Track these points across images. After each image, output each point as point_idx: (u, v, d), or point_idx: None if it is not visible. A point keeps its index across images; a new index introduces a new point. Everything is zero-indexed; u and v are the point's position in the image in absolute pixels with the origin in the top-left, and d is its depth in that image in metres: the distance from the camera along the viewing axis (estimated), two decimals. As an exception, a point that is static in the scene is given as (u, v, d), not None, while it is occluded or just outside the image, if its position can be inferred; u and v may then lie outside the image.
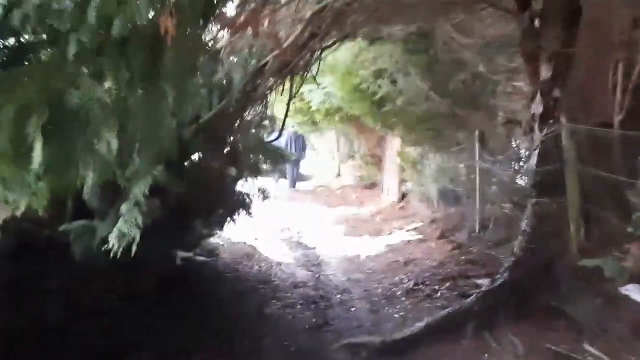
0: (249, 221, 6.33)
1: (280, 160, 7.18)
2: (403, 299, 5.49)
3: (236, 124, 5.29)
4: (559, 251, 4.30)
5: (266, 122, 5.93)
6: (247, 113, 5.38)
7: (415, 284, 5.79)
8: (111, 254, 2.99)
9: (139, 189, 2.96)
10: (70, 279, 3.93)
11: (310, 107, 12.04)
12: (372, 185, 12.97)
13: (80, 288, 4.11)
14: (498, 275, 4.51)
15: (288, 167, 14.52)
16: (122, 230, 2.93)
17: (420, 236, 7.94)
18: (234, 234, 7.65)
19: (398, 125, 8.61)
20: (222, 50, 4.34)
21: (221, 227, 6.49)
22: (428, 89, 7.59)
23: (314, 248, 8.39)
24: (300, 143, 15.02)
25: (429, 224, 8.41)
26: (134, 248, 3.05)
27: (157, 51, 1.99)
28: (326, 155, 19.62)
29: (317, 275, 6.78)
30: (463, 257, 6.31)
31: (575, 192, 4.24)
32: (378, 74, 8.21)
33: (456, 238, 7.10)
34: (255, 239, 8.28)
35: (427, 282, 5.76)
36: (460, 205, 7.89)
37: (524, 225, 4.54)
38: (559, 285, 4.20)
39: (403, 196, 10.71)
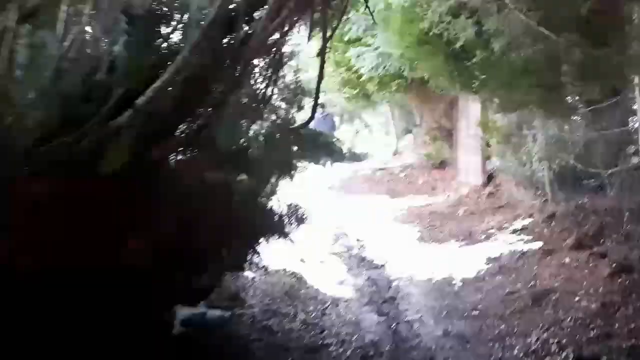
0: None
1: (324, 151, 4.66)
2: (568, 399, 2.80)
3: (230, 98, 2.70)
4: None
5: (288, 94, 3.31)
6: (249, 77, 2.76)
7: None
8: None
9: None
10: None
11: (360, 77, 9.31)
12: (443, 165, 10.12)
13: None
14: None
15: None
16: None
17: (539, 243, 5.15)
18: (272, 257, 5.09)
19: (488, 83, 5.75)
20: None
21: (238, 267, 3.98)
22: (537, 24, 4.71)
23: (382, 266, 5.76)
24: (329, 123, 12.48)
25: (544, 221, 5.59)
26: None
27: None
28: (379, 132, 16.92)
29: (394, 326, 4.17)
30: (649, 296, 3.50)
31: None
32: (456, 12, 5.40)
33: (609, 251, 4.26)
34: (301, 260, 5.72)
35: (606, 356, 3.02)
36: (599, 194, 5.06)
37: None
38: None
39: (489, 178, 7.87)
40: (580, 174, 5.48)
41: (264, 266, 4.71)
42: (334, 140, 5.57)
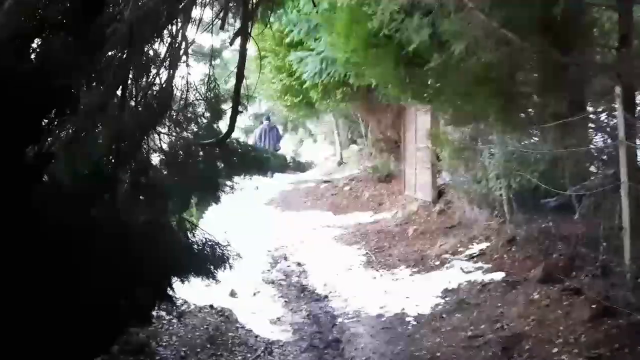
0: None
1: (257, 167, 3.92)
2: None
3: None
4: None
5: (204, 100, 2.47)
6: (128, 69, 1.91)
7: None
8: None
9: None
10: None
11: (303, 84, 8.51)
12: (389, 178, 9.46)
13: None
14: None
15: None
16: None
17: (501, 273, 4.51)
18: (195, 291, 4.15)
19: (443, 92, 5.09)
20: None
21: (143, 318, 3.07)
22: (498, 26, 4.08)
23: (325, 298, 4.97)
24: (274, 135, 12.69)
25: (504, 246, 4.97)
26: None
27: None
28: (324, 142, 16.25)
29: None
30: (643, 349, 2.85)
31: None
32: (408, 10, 4.72)
33: (584, 287, 3.63)
34: (231, 293, 4.85)
35: None
36: (562, 216, 4.49)
37: None
38: None
39: (439, 194, 7.25)
40: (542, 193, 4.90)
41: (179, 311, 3.86)
42: (276, 153, 4.74)
